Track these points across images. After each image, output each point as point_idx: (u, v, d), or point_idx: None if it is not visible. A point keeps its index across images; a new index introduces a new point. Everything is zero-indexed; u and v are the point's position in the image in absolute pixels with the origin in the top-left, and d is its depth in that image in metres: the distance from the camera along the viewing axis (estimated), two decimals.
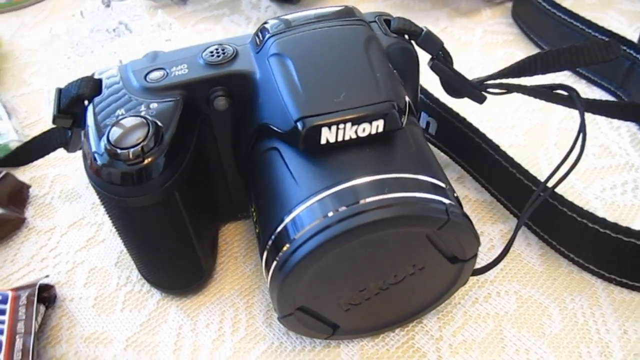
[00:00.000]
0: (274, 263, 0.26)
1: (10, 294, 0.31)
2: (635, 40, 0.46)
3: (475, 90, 0.33)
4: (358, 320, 0.29)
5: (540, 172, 0.39)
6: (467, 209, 0.37)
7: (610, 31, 0.43)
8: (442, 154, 0.40)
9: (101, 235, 0.38)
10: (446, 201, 0.25)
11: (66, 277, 0.36)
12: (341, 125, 0.25)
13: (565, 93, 0.32)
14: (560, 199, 0.32)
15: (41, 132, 0.37)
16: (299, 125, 0.26)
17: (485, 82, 0.33)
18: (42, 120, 0.47)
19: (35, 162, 0.42)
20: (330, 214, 0.24)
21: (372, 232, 0.24)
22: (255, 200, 0.29)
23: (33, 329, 0.30)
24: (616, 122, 0.42)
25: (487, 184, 0.37)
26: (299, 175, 0.26)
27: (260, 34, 0.30)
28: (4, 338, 0.29)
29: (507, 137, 0.42)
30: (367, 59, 0.27)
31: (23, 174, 0.42)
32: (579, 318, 0.31)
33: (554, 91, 0.32)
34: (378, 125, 0.26)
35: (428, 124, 0.40)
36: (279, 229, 0.26)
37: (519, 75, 0.33)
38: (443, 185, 0.27)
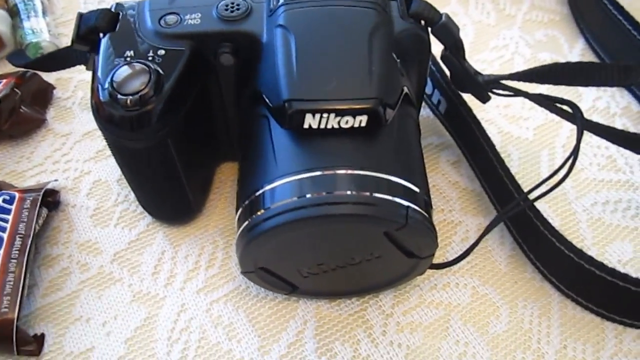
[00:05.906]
0: (245, 223, 0.28)
1: (17, 195, 0.35)
2: None
3: (481, 90, 0.32)
4: (316, 286, 0.32)
5: (538, 172, 0.39)
6: (453, 196, 0.38)
7: None
8: (447, 133, 0.40)
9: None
10: (411, 205, 0.26)
11: (72, 183, 0.39)
12: (325, 115, 0.26)
13: (570, 110, 0.31)
14: (536, 212, 0.32)
15: (66, 45, 0.38)
16: (286, 105, 0.27)
17: (493, 82, 0.33)
18: None
19: None
20: (308, 195, 0.26)
21: (338, 222, 0.26)
22: (242, 158, 0.31)
23: (32, 232, 0.33)
24: None
25: (479, 175, 0.38)
26: (281, 151, 0.28)
27: None
28: (5, 236, 0.33)
29: (518, 128, 0.42)
30: (367, 48, 0.27)
31: (50, 73, 0.44)
32: (525, 324, 0.33)
33: (558, 104, 0.31)
34: (361, 120, 0.27)
35: (439, 102, 0.40)
36: (257, 193, 0.27)
37: (530, 81, 0.33)
38: (415, 188, 0.27)
